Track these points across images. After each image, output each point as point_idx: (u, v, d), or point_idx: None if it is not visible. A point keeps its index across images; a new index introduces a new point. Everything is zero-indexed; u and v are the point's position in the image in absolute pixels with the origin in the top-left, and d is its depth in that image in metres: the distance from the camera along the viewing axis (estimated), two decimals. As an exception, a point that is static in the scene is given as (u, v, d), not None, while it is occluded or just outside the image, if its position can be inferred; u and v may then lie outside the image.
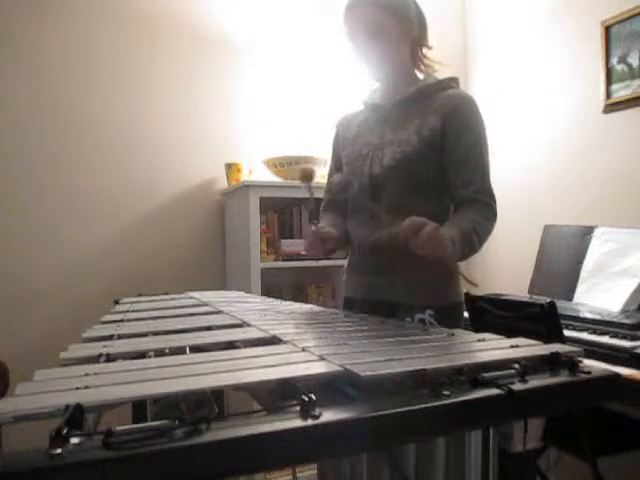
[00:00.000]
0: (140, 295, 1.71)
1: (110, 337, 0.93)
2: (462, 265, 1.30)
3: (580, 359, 0.68)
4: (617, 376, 0.66)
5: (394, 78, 1.33)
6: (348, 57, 1.34)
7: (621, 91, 2.06)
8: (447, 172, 1.25)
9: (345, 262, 1.49)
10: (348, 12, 1.28)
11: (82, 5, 2.27)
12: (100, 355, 0.77)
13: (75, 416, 0.49)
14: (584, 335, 1.50)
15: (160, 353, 0.80)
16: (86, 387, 0.58)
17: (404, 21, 1.27)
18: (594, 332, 1.50)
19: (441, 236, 1.02)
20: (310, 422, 0.50)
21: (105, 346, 0.83)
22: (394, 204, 1.26)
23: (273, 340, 0.84)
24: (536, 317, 1.42)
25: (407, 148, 1.24)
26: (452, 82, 1.32)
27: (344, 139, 1.42)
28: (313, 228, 1.28)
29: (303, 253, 1.35)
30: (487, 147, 1.26)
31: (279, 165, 2.33)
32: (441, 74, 1.36)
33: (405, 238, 1.03)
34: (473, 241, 1.15)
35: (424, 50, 1.35)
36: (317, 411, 0.52)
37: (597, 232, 1.91)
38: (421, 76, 1.36)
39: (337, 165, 1.47)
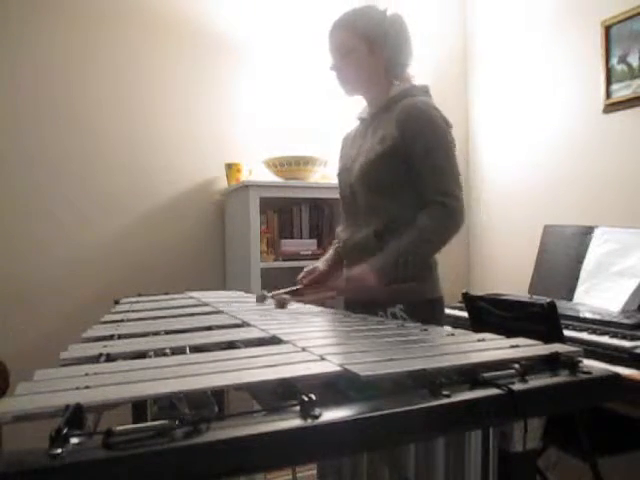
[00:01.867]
0: (140, 295, 1.71)
1: (110, 337, 0.94)
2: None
3: (580, 359, 0.68)
4: (617, 376, 0.66)
5: (370, 93, 1.44)
6: (329, 75, 1.46)
7: (621, 91, 2.06)
8: (415, 176, 1.33)
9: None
10: (328, 34, 1.43)
11: (82, 5, 2.27)
12: (100, 355, 0.77)
13: (75, 416, 0.49)
14: (584, 335, 1.50)
15: (160, 353, 0.80)
16: (86, 387, 0.58)
17: (374, 43, 1.38)
18: (594, 332, 1.50)
19: (362, 284, 1.27)
20: (310, 422, 0.50)
21: (105, 346, 0.83)
22: (368, 207, 1.39)
23: (273, 340, 0.84)
24: (536, 317, 1.42)
25: (371, 156, 1.36)
26: (415, 90, 1.40)
27: (341, 153, 1.57)
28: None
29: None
30: (443, 149, 1.32)
31: (279, 165, 2.33)
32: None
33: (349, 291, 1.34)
34: (408, 260, 1.27)
35: (402, 67, 1.43)
36: (317, 411, 0.52)
37: (597, 232, 1.91)
38: (395, 86, 1.44)
39: None
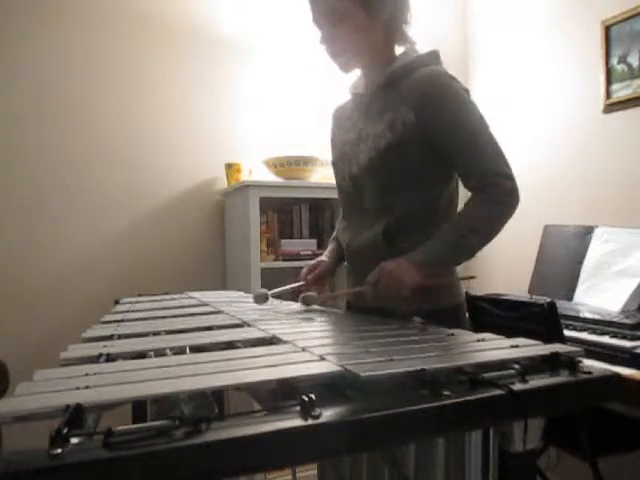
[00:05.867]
0: (140, 295, 1.71)
1: (110, 337, 0.94)
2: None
3: (580, 359, 0.68)
4: (617, 376, 0.66)
5: (369, 65, 1.23)
6: (318, 49, 1.23)
7: (621, 91, 2.06)
8: (450, 163, 1.15)
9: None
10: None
11: (82, 5, 2.26)
12: (100, 355, 0.77)
13: (75, 416, 0.49)
14: (584, 335, 1.50)
15: (160, 353, 0.80)
16: (86, 387, 0.58)
17: (371, 5, 1.14)
18: (594, 332, 1.50)
19: (397, 277, 1.05)
20: (310, 422, 0.50)
21: (105, 346, 0.83)
22: (377, 202, 1.19)
23: (273, 340, 0.84)
24: (536, 317, 1.42)
25: (381, 144, 1.15)
26: (424, 59, 1.19)
27: (334, 134, 1.36)
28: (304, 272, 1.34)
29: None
30: (477, 123, 1.12)
31: (279, 165, 2.33)
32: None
33: (378, 291, 1.07)
34: (458, 250, 1.10)
35: (403, 27, 1.21)
36: (317, 411, 0.52)
37: (597, 232, 1.91)
38: (399, 53, 1.23)
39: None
